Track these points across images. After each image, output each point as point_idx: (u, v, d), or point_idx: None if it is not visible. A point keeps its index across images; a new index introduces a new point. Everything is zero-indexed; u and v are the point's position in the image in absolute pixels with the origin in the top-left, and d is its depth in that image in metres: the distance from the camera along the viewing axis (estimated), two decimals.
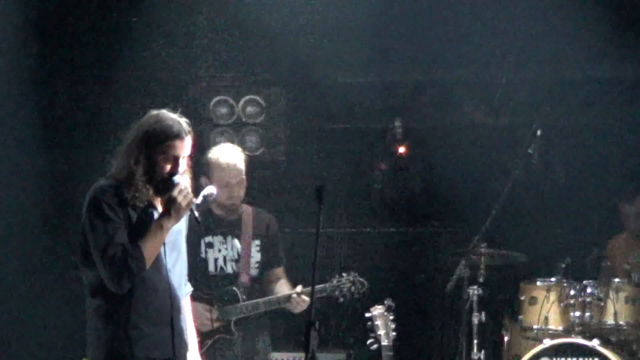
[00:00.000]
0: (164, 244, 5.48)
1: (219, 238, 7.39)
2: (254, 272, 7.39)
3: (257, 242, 7.43)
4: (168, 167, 5.46)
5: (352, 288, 7.19)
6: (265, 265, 7.45)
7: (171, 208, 5.41)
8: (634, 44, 9.64)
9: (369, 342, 6.77)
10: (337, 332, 9.52)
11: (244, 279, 7.35)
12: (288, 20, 9.55)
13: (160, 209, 5.51)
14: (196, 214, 5.56)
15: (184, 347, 5.66)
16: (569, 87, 10.04)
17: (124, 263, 5.32)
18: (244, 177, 7.35)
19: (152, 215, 5.49)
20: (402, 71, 10.20)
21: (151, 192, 5.48)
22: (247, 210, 7.47)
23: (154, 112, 5.57)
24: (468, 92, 10.31)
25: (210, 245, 7.37)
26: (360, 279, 7.23)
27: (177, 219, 5.46)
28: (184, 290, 5.79)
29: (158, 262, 5.48)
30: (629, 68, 9.89)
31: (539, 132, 8.32)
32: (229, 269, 7.37)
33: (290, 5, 9.52)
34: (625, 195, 9.05)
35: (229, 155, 7.34)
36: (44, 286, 9.50)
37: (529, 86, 10.12)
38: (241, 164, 7.33)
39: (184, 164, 5.52)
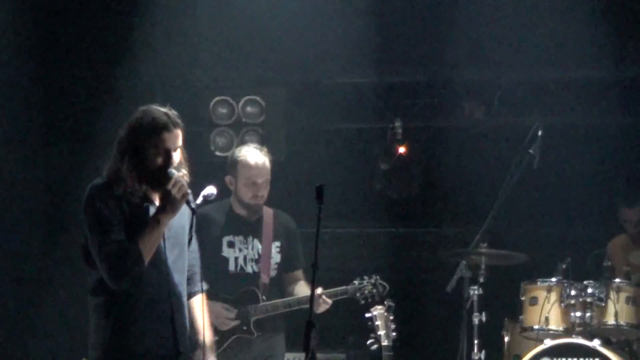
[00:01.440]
0: (164, 240, 5.47)
1: (240, 238, 7.40)
2: (273, 273, 7.40)
3: (277, 243, 7.44)
4: (160, 160, 5.46)
5: (374, 290, 7.20)
6: (284, 267, 7.45)
7: (167, 201, 5.41)
8: (633, 44, 9.64)
9: (369, 342, 6.78)
10: (337, 332, 9.51)
11: (263, 279, 7.35)
12: (288, 20, 9.54)
13: (157, 203, 5.50)
14: (192, 205, 5.55)
15: (187, 343, 5.66)
16: (569, 87, 10.04)
17: (121, 260, 5.32)
18: (269, 177, 7.37)
19: (148, 210, 5.48)
20: (402, 71, 10.20)
21: (144, 186, 5.47)
22: (267, 211, 7.48)
23: (142, 107, 5.57)
24: (468, 92, 10.31)
25: (231, 244, 7.37)
26: (382, 282, 7.24)
27: (174, 212, 5.43)
28: (195, 286, 5.82)
29: (158, 259, 5.47)
30: (628, 68, 9.89)
31: (540, 132, 8.31)
32: (249, 269, 7.37)
33: (291, 6, 9.51)
34: (625, 201, 9.04)
35: (256, 154, 7.36)
36: (44, 286, 9.49)
37: (529, 86, 10.12)
38: (268, 164, 7.36)
39: (176, 157, 5.51)
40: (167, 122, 5.46)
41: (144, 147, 5.44)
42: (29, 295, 9.55)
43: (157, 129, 5.43)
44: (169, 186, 5.40)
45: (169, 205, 5.40)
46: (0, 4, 9.17)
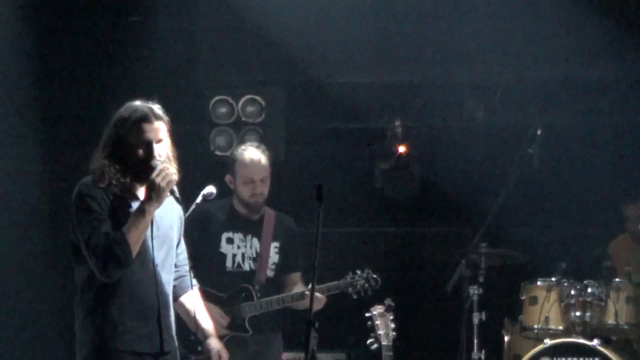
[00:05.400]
0: (152, 239, 5.49)
1: (239, 235, 7.40)
2: (270, 273, 7.41)
3: (277, 244, 7.44)
4: (141, 152, 5.47)
5: (366, 285, 7.20)
6: (282, 268, 7.45)
7: (152, 191, 5.42)
8: (633, 43, 9.64)
9: (369, 342, 6.77)
10: (337, 332, 9.51)
11: (260, 278, 7.36)
12: (288, 20, 9.54)
13: (142, 197, 5.50)
14: (177, 194, 5.54)
15: (172, 342, 5.66)
16: (569, 87, 10.04)
17: (109, 250, 5.34)
18: (268, 175, 7.37)
19: (130, 205, 5.49)
20: (402, 71, 10.20)
21: (129, 180, 5.50)
22: (269, 212, 7.49)
23: (127, 103, 5.61)
24: (468, 92, 10.31)
25: (230, 240, 7.38)
26: (374, 276, 7.24)
27: (159, 201, 5.43)
28: (188, 283, 5.83)
29: (145, 257, 5.50)
30: (628, 68, 9.89)
31: (539, 132, 8.31)
32: (247, 266, 7.38)
33: (290, 5, 9.51)
34: (628, 197, 9.04)
35: (253, 152, 7.38)
36: (43, 286, 9.49)
37: (529, 86, 10.12)
38: (265, 161, 7.36)
39: (161, 149, 5.52)
40: (148, 113, 5.49)
41: (126, 139, 5.48)
42: (28, 295, 9.54)
43: (136, 120, 5.47)
44: (153, 175, 5.41)
45: (154, 193, 5.40)
46: (0, 4, 9.18)
